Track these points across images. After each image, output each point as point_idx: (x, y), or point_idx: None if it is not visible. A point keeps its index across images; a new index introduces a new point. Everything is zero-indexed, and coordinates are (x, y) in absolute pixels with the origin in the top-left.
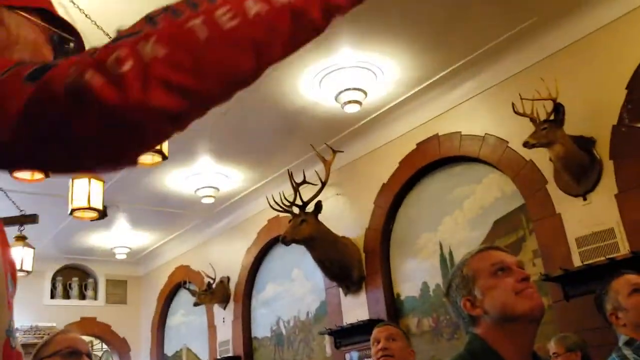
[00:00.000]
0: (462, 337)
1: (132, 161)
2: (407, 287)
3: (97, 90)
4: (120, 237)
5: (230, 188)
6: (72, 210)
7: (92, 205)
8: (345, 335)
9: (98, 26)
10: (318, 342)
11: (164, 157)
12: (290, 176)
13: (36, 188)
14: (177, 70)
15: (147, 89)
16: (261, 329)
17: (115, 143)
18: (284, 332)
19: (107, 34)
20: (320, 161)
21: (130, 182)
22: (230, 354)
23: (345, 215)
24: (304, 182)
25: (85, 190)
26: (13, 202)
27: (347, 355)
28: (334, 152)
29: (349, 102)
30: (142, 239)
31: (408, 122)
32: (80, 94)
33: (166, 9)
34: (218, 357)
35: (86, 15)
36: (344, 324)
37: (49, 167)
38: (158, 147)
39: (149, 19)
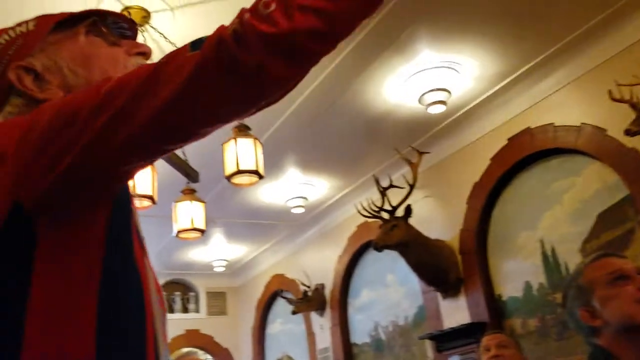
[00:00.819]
0: (572, 337)
1: (297, 79)
2: (509, 287)
3: (256, 26)
4: (218, 251)
5: (318, 197)
6: (178, 232)
7: (196, 226)
8: (447, 339)
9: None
10: (419, 346)
11: (260, 177)
12: (377, 181)
13: (141, 210)
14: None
15: (291, 17)
16: (360, 335)
17: (281, 66)
18: (383, 337)
19: None
20: (406, 164)
21: (224, 199)
22: None
23: (436, 217)
24: (391, 186)
25: (188, 211)
26: None
27: (451, 359)
28: (420, 153)
29: (434, 103)
30: (238, 251)
31: (497, 117)
32: (245, 33)
33: None
34: None
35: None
36: (445, 327)
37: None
38: (254, 168)
39: None
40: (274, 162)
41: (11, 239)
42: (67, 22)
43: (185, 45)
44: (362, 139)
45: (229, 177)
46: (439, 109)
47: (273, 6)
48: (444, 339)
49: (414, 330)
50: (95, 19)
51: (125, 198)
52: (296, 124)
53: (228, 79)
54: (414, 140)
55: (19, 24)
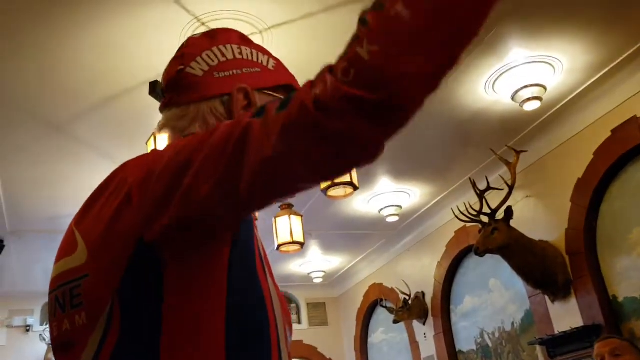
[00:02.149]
0: None
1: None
2: (624, 287)
3: (343, 89)
4: (315, 263)
5: (412, 204)
6: (278, 246)
7: (295, 239)
8: (559, 344)
9: None
10: (529, 352)
11: (355, 188)
12: (473, 184)
13: None
14: (399, 57)
15: (379, 78)
16: (465, 342)
17: (370, 130)
18: (489, 344)
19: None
20: (503, 165)
21: (319, 212)
22: None
23: (539, 217)
24: (489, 188)
25: (287, 226)
26: None
27: None
28: (517, 153)
29: (528, 99)
30: (335, 262)
31: (598, 108)
32: (327, 99)
33: (374, 6)
34: None
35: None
36: (556, 332)
37: (315, 173)
38: (349, 179)
39: (362, 20)
40: (365, 172)
41: (139, 273)
42: (288, 88)
43: (274, 103)
44: (455, 142)
45: (324, 190)
46: (534, 106)
47: (352, 71)
48: (556, 344)
49: (522, 335)
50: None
51: (248, 222)
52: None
53: (315, 143)
54: (509, 139)
55: (258, 50)
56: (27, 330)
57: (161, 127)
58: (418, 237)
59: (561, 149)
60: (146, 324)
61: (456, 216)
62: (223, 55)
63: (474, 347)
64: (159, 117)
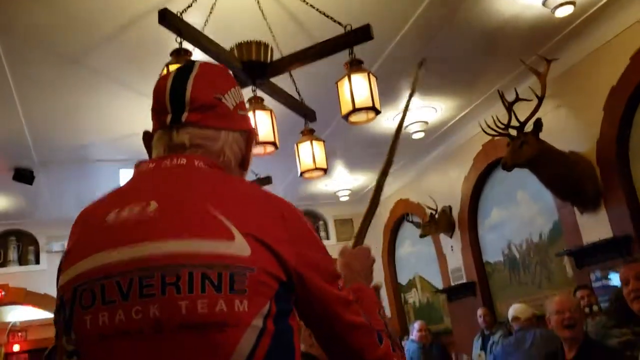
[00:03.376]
0: None
1: None
2: None
3: None
4: (341, 181)
5: (438, 118)
6: (301, 173)
7: (318, 165)
8: (587, 255)
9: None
10: (556, 263)
11: (377, 112)
12: (502, 96)
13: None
14: None
15: None
16: (492, 254)
17: None
18: (517, 255)
19: (335, 21)
20: (532, 75)
21: (342, 131)
22: (464, 281)
23: (569, 128)
24: (517, 99)
25: (310, 152)
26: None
27: (592, 275)
28: (548, 61)
29: (561, 4)
30: (361, 179)
31: (635, 11)
32: None
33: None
34: (452, 283)
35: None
36: (584, 243)
37: None
38: (370, 104)
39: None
40: (389, 88)
41: (288, 289)
42: None
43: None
44: (482, 52)
45: (345, 116)
46: (567, 11)
47: None
48: (584, 255)
49: (550, 247)
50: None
51: None
52: (410, 46)
53: None
54: (539, 47)
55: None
56: None
57: (191, 143)
58: (444, 152)
59: (594, 56)
60: (287, 335)
61: (483, 130)
62: (240, 95)
63: (501, 259)
64: (169, 44)
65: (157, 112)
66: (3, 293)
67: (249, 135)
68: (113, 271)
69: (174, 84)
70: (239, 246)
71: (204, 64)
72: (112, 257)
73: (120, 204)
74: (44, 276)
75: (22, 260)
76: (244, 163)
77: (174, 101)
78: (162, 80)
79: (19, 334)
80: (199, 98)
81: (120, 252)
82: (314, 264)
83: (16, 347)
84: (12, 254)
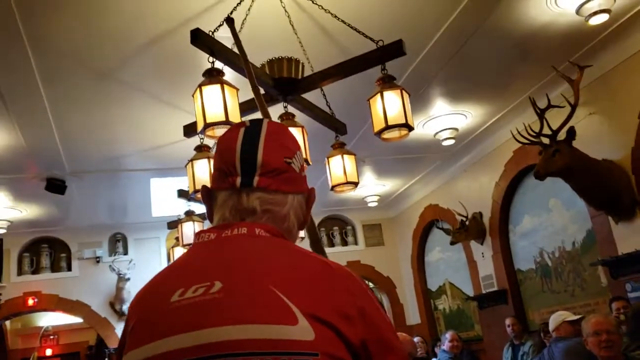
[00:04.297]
0: None
1: None
2: None
3: None
4: (369, 187)
5: (468, 125)
6: (332, 187)
7: (349, 179)
8: (623, 265)
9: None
10: (590, 272)
11: (410, 129)
12: (533, 103)
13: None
14: None
15: None
16: (523, 261)
17: None
18: (549, 263)
19: (367, 36)
20: (564, 82)
21: (371, 137)
22: (495, 288)
23: (603, 135)
24: (550, 106)
25: (341, 166)
26: None
27: (628, 285)
28: (581, 68)
29: (595, 13)
30: (389, 185)
31: None
32: None
33: None
34: (483, 291)
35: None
36: (620, 253)
37: None
38: (403, 121)
39: None
40: (419, 95)
41: None
42: None
43: None
44: (514, 59)
45: (378, 133)
46: (601, 19)
47: None
48: (620, 265)
49: (583, 255)
50: None
51: None
52: (441, 53)
53: None
54: (572, 54)
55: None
56: (97, 262)
57: (262, 208)
58: (475, 158)
59: (629, 63)
60: None
61: (514, 137)
62: (302, 157)
63: (533, 266)
64: (199, 58)
65: (224, 173)
66: (36, 300)
67: (309, 196)
68: (179, 358)
69: (244, 145)
70: (302, 330)
71: (271, 124)
72: (179, 344)
73: (185, 283)
74: (75, 283)
75: (54, 267)
76: (303, 224)
77: (245, 163)
78: (229, 140)
79: (51, 337)
80: (270, 162)
81: (187, 338)
82: (382, 341)
83: (49, 352)
84: (45, 261)
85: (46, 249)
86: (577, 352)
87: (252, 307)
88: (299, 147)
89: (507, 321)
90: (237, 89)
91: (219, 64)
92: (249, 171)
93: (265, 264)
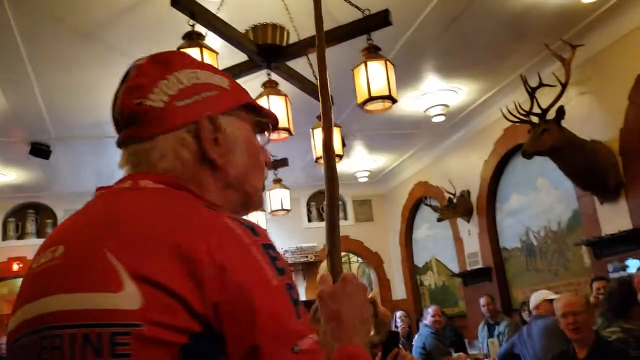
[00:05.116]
0: None
1: None
2: None
3: None
4: (360, 162)
5: (459, 102)
6: (317, 159)
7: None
8: (606, 246)
9: None
10: (574, 252)
11: (394, 101)
12: (524, 81)
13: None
14: None
15: None
16: (509, 240)
17: None
18: (534, 242)
19: (353, 4)
20: (556, 60)
21: (361, 113)
22: (480, 266)
23: (592, 116)
24: (541, 85)
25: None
26: None
27: (609, 266)
28: (573, 47)
29: None
30: (380, 160)
31: None
32: None
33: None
34: (468, 268)
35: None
36: (603, 234)
37: None
38: (387, 93)
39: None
40: (410, 70)
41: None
42: (248, 107)
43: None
44: (506, 36)
45: (361, 105)
46: None
47: None
48: (603, 246)
49: (568, 235)
50: (260, 120)
51: None
52: (432, 28)
53: None
54: (564, 32)
55: (210, 71)
56: None
57: (126, 164)
58: (465, 135)
59: (621, 43)
60: None
61: (504, 116)
62: (180, 82)
63: (519, 245)
64: (183, 22)
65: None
66: (21, 265)
67: (199, 128)
68: (23, 330)
69: (114, 101)
70: (127, 297)
71: (139, 65)
72: (25, 315)
73: (44, 246)
74: None
75: (40, 233)
76: (205, 157)
77: (114, 121)
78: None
79: None
80: (120, 111)
81: (30, 309)
82: (248, 309)
83: None
84: (30, 227)
85: (32, 215)
86: (555, 330)
87: (81, 272)
88: (159, 77)
89: (482, 300)
90: (217, 53)
91: (201, 29)
92: (117, 128)
93: (112, 222)
